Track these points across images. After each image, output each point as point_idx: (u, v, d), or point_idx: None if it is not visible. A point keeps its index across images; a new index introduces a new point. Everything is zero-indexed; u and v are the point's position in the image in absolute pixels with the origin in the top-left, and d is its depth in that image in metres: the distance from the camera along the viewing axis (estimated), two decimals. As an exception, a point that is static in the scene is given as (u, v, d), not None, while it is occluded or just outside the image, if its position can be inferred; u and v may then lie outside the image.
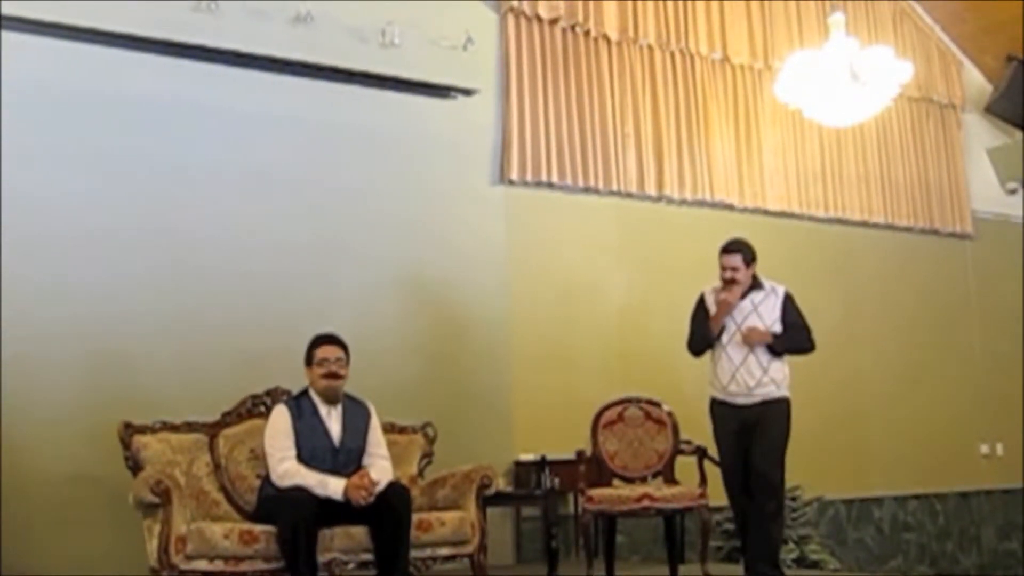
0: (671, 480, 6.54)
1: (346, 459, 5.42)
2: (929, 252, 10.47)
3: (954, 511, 10.27)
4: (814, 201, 9.69)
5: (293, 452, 5.33)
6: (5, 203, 6.23)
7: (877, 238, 10.14)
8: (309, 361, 5.51)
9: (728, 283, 5.96)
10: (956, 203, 10.74)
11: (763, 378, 5.90)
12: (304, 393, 5.53)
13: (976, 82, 11.06)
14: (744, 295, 5.98)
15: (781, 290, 6.05)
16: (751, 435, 5.88)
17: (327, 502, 5.17)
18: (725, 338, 5.97)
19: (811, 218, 9.67)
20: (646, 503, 6.29)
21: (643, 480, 6.62)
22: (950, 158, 10.78)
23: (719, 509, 6.16)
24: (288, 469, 5.27)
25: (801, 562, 7.90)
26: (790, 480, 7.92)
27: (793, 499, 8.07)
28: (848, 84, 8.49)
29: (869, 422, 9.69)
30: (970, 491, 10.34)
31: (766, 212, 9.32)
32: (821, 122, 9.17)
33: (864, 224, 10.04)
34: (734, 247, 6.01)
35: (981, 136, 11.08)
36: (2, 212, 6.22)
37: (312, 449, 5.34)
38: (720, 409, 6.03)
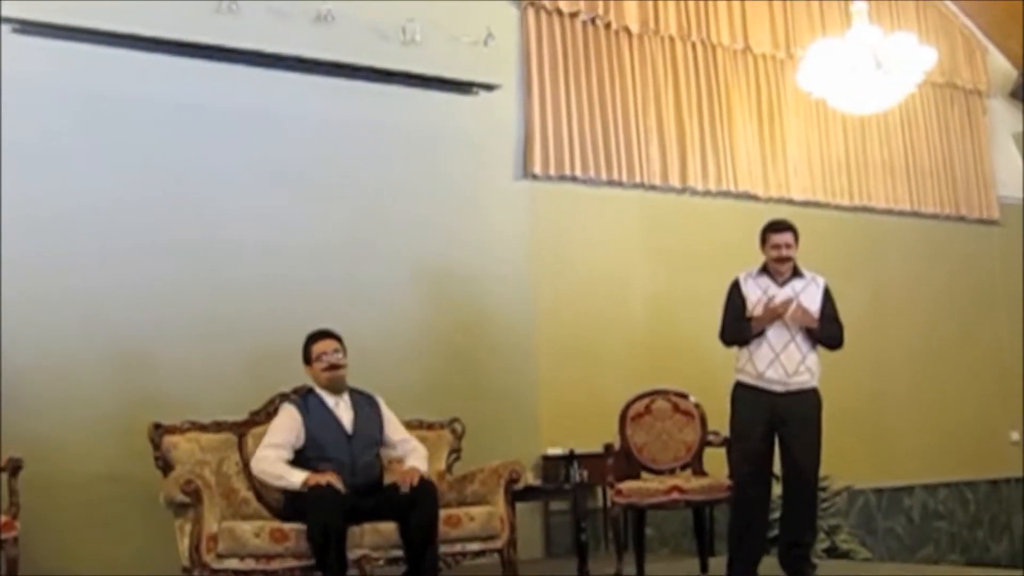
0: (700, 472, 6.54)
1: (361, 446, 5.48)
2: (955, 239, 10.41)
3: (984, 499, 10.22)
4: (839, 190, 9.65)
5: (284, 445, 5.39)
6: (37, 207, 6.29)
7: (903, 226, 10.09)
8: (308, 359, 5.58)
9: (781, 261, 5.88)
10: (982, 189, 10.67)
11: (800, 366, 5.82)
12: (309, 391, 5.59)
13: (1001, 67, 10.98)
14: (786, 282, 5.92)
15: (821, 281, 6.00)
16: (782, 426, 5.82)
17: (356, 499, 5.21)
18: None
19: (836, 207, 9.62)
20: (675, 495, 6.30)
21: (672, 472, 6.63)
22: (975, 144, 10.71)
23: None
24: (266, 455, 5.36)
25: (832, 552, 7.88)
26: (820, 470, 7.96)
27: (823, 489, 8.03)
28: (872, 72, 8.43)
29: (898, 410, 9.65)
30: (1000, 478, 10.29)
31: (791, 202, 9.26)
32: (845, 110, 9.12)
33: (889, 212, 9.99)
34: (785, 225, 5.94)
35: (1007, 121, 11.02)
36: (33, 216, 6.27)
37: (326, 441, 5.39)
38: (750, 395, 5.88)
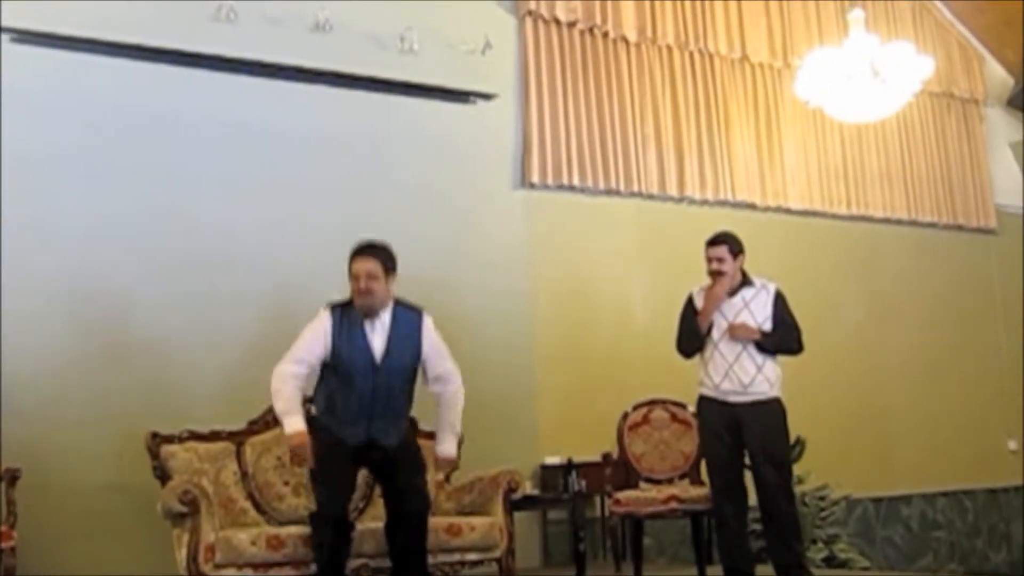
0: (697, 481, 6.54)
1: (387, 376, 5.17)
2: (953, 247, 10.42)
3: (983, 508, 10.22)
4: (836, 199, 9.66)
5: (303, 361, 5.14)
6: (36, 217, 6.31)
7: (901, 235, 10.10)
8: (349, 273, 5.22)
9: (714, 275, 5.91)
10: (979, 198, 10.69)
11: (757, 376, 5.82)
12: (351, 302, 5.25)
13: (998, 76, 11.01)
14: (735, 292, 5.92)
15: (772, 287, 5.99)
16: (745, 437, 5.82)
17: (363, 449, 5.13)
18: (716, 335, 5.88)
19: (834, 216, 9.63)
20: (673, 504, 6.31)
21: (670, 482, 6.64)
22: (973, 153, 10.74)
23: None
24: (281, 371, 5.11)
25: (830, 562, 7.88)
26: (818, 479, 7.95)
27: (821, 498, 8.05)
28: (869, 81, 8.46)
29: (896, 419, 9.65)
30: (999, 487, 10.29)
31: (788, 211, 9.30)
32: (842, 119, 9.14)
33: (887, 221, 10.01)
34: (719, 239, 5.96)
35: (1003, 130, 11.05)
36: (33, 226, 6.28)
37: (353, 363, 5.14)
38: (711, 406, 5.91)
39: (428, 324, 5.36)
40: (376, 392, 5.15)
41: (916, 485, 9.74)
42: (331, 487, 5.09)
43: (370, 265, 5.16)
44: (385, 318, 5.22)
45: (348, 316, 5.20)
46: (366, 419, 5.14)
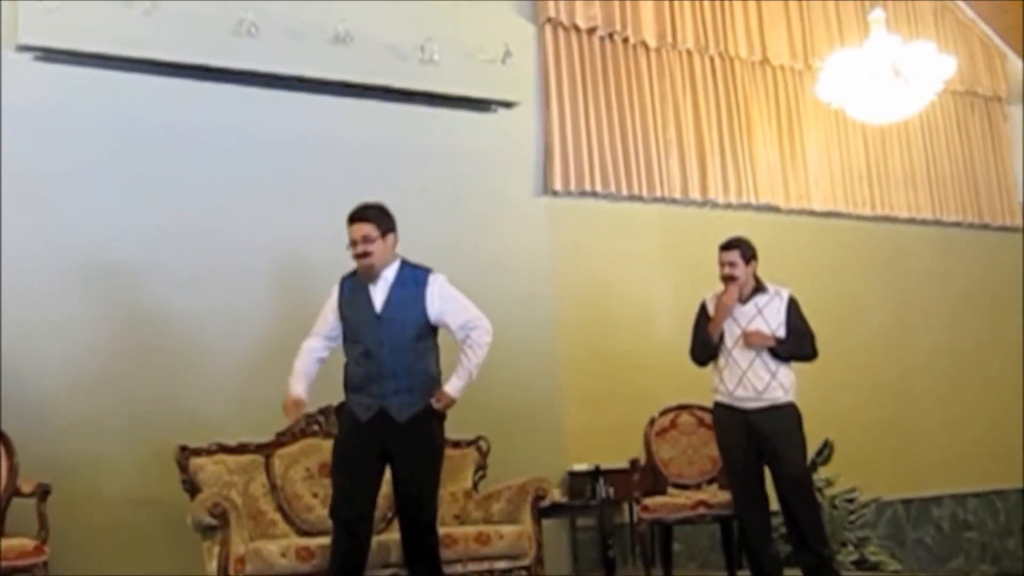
0: (726, 486, 6.52)
1: (391, 328, 5.13)
2: (979, 246, 10.35)
3: (1015, 508, 10.13)
4: (860, 200, 9.61)
5: (318, 335, 5.34)
6: (62, 229, 6.36)
7: (925, 235, 10.05)
8: None
9: (727, 279, 5.94)
10: (1005, 196, 10.62)
11: (772, 382, 5.84)
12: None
13: (1020, 73, 10.93)
14: (748, 298, 5.94)
15: (785, 294, 6.01)
16: (764, 444, 5.83)
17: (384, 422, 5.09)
18: (730, 342, 5.93)
19: (858, 217, 9.59)
20: (702, 510, 6.32)
21: (698, 487, 6.65)
22: (997, 151, 10.67)
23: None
24: (300, 349, 5.34)
25: (861, 564, 7.84)
26: (847, 482, 7.92)
27: (850, 500, 8.01)
28: (891, 81, 8.43)
29: (924, 420, 9.58)
30: (1031, 487, 10.21)
31: (812, 213, 9.26)
32: (865, 120, 9.11)
33: (912, 221, 9.95)
34: (732, 244, 6.02)
35: (1028, 128, 10.98)
36: (61, 238, 6.33)
37: (359, 321, 5.19)
38: (726, 413, 5.97)
39: (435, 279, 5.33)
40: (382, 345, 5.12)
41: (946, 486, 9.67)
42: (345, 485, 5.06)
43: (365, 229, 5.18)
44: (389, 276, 5.24)
45: (353, 281, 5.29)
46: (376, 382, 5.09)
